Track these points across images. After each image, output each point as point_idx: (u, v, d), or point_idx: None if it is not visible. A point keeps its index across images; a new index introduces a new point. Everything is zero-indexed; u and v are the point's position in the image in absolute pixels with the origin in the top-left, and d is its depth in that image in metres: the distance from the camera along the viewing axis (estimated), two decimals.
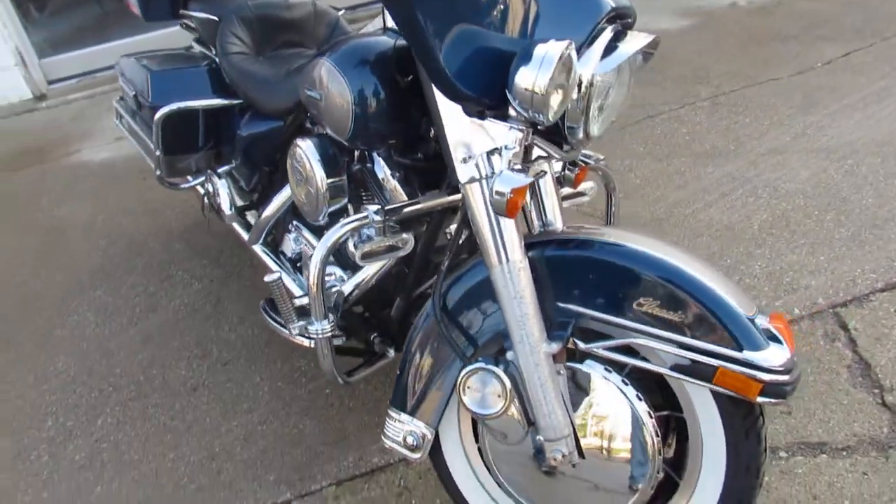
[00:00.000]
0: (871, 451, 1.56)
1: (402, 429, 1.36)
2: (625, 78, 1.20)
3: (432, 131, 1.35)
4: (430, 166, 1.44)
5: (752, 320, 1.10)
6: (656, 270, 1.13)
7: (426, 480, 1.65)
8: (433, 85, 1.12)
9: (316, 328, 1.36)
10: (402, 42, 1.32)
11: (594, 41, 1.11)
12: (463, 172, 1.17)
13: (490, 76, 1.06)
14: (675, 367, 1.12)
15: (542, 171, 1.21)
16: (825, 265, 2.11)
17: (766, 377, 1.06)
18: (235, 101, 2.07)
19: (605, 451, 1.22)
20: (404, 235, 1.37)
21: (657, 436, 1.18)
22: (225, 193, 2.06)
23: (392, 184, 1.49)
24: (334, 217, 1.49)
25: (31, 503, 1.81)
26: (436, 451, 1.40)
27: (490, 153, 1.14)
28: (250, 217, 2.19)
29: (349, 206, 1.57)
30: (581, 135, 1.16)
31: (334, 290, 1.60)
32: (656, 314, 1.12)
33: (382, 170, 1.51)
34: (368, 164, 1.54)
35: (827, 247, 2.19)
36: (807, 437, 1.61)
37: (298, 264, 1.91)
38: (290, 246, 1.94)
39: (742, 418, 1.15)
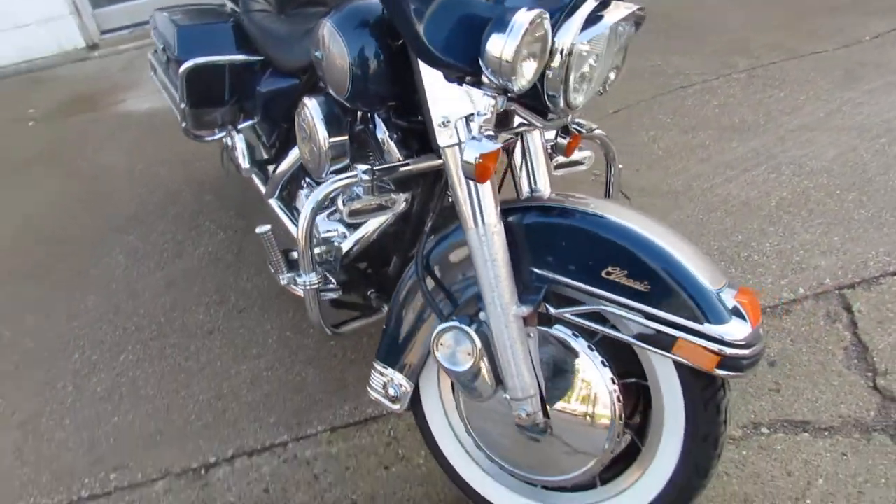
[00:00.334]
0: (855, 432, 1.56)
1: (384, 381, 1.42)
2: (611, 48, 1.20)
3: None
4: (426, 129, 1.47)
5: (717, 294, 1.11)
6: (626, 241, 1.15)
7: (414, 433, 1.72)
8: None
9: (304, 280, 1.42)
10: None
11: (576, 10, 1.12)
12: (442, 136, 1.20)
13: (466, 43, 1.08)
14: (638, 336, 1.15)
15: (512, 137, 1.23)
16: (838, 246, 2.08)
17: (724, 350, 1.08)
18: (257, 58, 2.13)
19: (569, 413, 1.26)
20: (392, 195, 1.42)
21: (619, 401, 1.22)
22: (242, 148, 2.13)
23: (389, 145, 1.53)
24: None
25: (53, 427, 1.96)
26: (417, 403, 1.47)
27: (468, 118, 1.17)
28: (271, 171, 2.27)
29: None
30: (562, 104, 1.17)
31: (335, 245, 1.67)
32: (623, 283, 1.15)
33: (382, 131, 1.55)
34: (370, 125, 1.58)
35: (843, 227, 2.14)
36: (791, 415, 1.62)
37: None
38: (302, 201, 2.01)
39: (702, 389, 1.17)
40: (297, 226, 1.96)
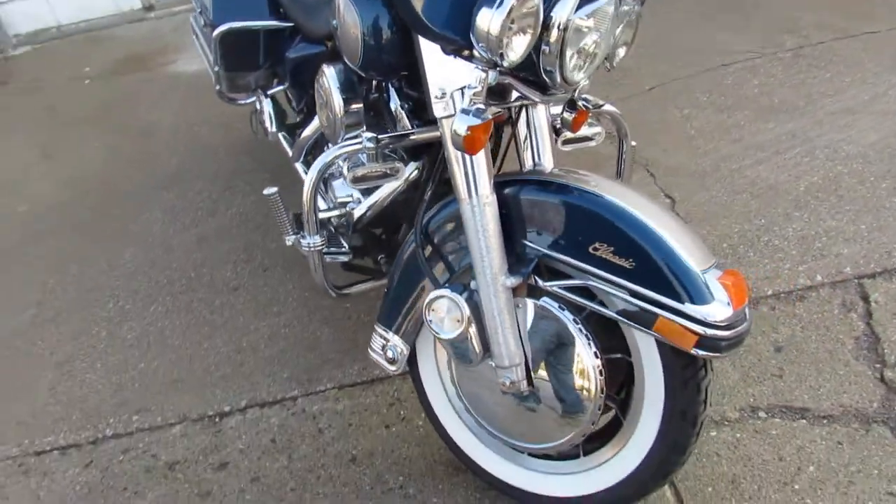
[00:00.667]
0: (854, 422, 1.54)
1: (383, 343, 1.48)
2: (614, 24, 1.20)
3: None
4: None
5: (701, 274, 1.12)
6: (614, 218, 1.16)
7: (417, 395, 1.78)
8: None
9: (308, 242, 1.48)
10: None
11: None
12: (438, 108, 1.22)
13: (458, 16, 1.09)
14: (621, 312, 1.17)
15: (501, 112, 1.24)
16: (864, 234, 2.02)
17: (703, 330, 1.09)
18: (287, 24, 2.17)
19: (553, 384, 1.29)
20: (397, 164, 1.45)
21: (601, 375, 1.24)
22: (269, 112, 2.19)
23: (401, 114, 1.56)
24: None
25: (85, 370, 2.09)
26: (414, 366, 1.52)
27: (463, 91, 1.19)
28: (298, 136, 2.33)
29: None
30: (559, 79, 1.18)
31: (348, 210, 1.72)
32: (609, 259, 1.16)
33: (394, 100, 1.58)
34: (385, 95, 1.62)
35: (872, 215, 2.09)
36: (791, 402, 1.61)
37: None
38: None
39: (682, 368, 1.18)
40: (319, 189, 2.03)
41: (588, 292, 1.22)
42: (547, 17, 1.08)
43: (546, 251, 1.23)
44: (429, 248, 1.38)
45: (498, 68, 1.11)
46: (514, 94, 1.26)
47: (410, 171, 1.56)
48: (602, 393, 1.25)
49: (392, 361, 1.47)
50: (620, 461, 1.30)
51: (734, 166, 2.41)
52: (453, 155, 1.23)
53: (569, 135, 1.64)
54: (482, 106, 1.13)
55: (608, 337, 1.28)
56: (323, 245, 1.49)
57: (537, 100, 1.24)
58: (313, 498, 1.59)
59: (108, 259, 2.59)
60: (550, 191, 1.24)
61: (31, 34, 5.31)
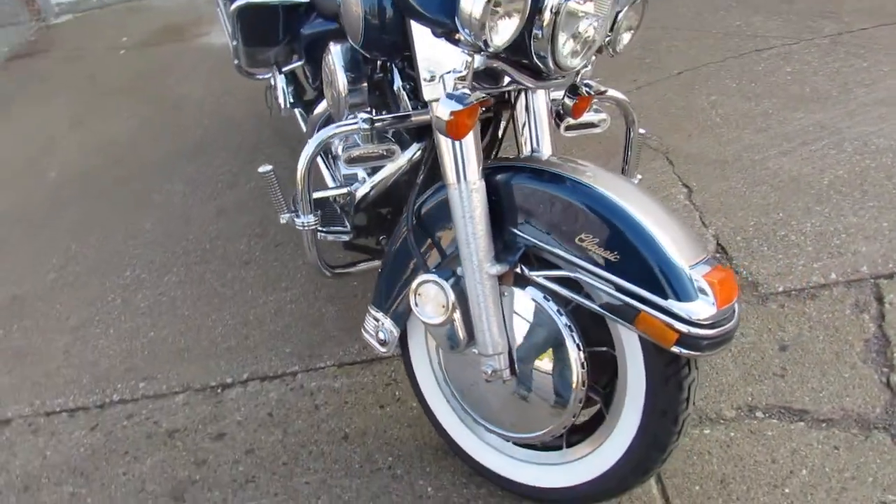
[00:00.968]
0: (854, 427, 1.50)
1: (375, 324, 1.48)
2: (611, 10, 1.17)
3: None
4: None
5: (686, 271, 1.09)
6: (602, 209, 1.14)
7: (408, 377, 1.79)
8: None
9: (301, 220, 1.48)
10: None
11: None
12: (427, 91, 1.21)
13: None
14: (605, 305, 1.14)
15: (487, 97, 1.21)
16: (886, 232, 1.95)
17: (684, 328, 1.06)
18: (302, 0, 2.16)
19: (535, 374, 1.28)
20: (392, 146, 1.44)
21: (583, 368, 1.23)
22: (283, 88, 2.20)
23: (403, 95, 1.54)
24: None
25: (98, 335, 2.15)
26: (406, 349, 1.52)
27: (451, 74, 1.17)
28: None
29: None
30: (552, 65, 1.15)
31: (352, 190, 1.72)
32: (594, 251, 1.14)
33: (397, 80, 1.57)
34: (389, 75, 1.61)
35: None
36: (791, 403, 1.57)
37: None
38: (335, 143, 2.07)
39: (664, 365, 1.16)
40: (329, 166, 2.03)
41: (576, 283, 1.20)
42: (538, 0, 1.06)
43: (533, 240, 1.21)
44: (421, 233, 1.38)
45: (484, 53, 1.09)
46: (508, 79, 1.24)
47: (413, 152, 1.55)
48: (584, 386, 1.23)
49: (383, 343, 1.47)
50: (601, 455, 1.28)
51: (757, 156, 2.33)
52: (442, 139, 1.21)
53: (572, 121, 1.61)
54: (467, 91, 1.12)
55: (597, 330, 1.26)
56: (316, 224, 1.50)
57: (530, 86, 1.22)
58: (303, 473, 1.61)
59: (129, 228, 2.65)
60: (541, 179, 1.22)
61: (73, 3, 5.42)
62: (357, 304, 2.08)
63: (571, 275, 1.18)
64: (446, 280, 1.26)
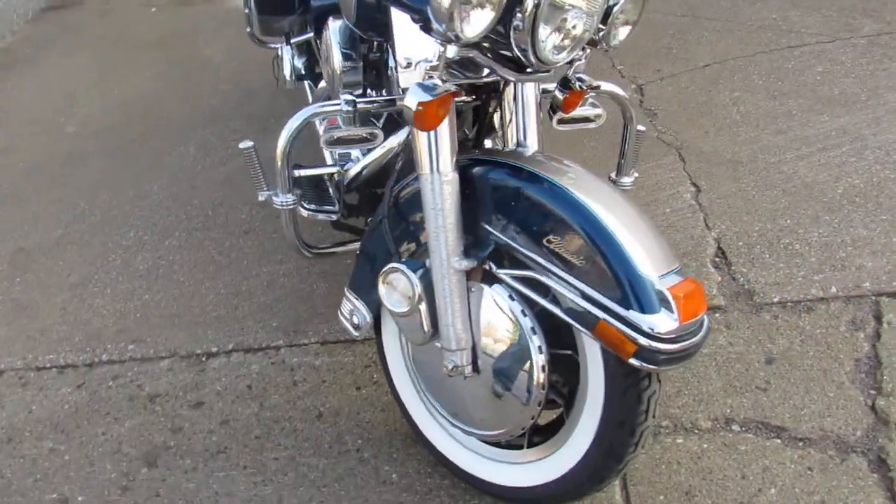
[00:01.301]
0: (831, 449, 1.45)
1: (351, 308, 1.47)
2: (599, 5, 1.12)
3: None
4: None
5: (651, 282, 1.05)
6: (571, 212, 1.11)
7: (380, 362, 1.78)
8: None
9: (280, 200, 1.47)
10: None
11: None
12: (403, 78, 1.18)
13: None
14: (567, 310, 1.12)
15: (456, 88, 1.17)
16: (895, 248, 1.87)
17: (643, 340, 1.03)
18: None
19: (496, 373, 1.26)
20: (374, 129, 1.41)
21: (543, 371, 1.20)
22: (287, 61, 2.18)
23: (394, 76, 1.51)
24: None
25: (95, 294, 2.18)
26: (380, 334, 1.51)
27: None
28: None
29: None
30: (532, 58, 1.11)
31: (344, 169, 1.70)
32: (560, 254, 1.11)
33: (391, 61, 1.53)
34: (385, 56, 1.58)
35: None
36: (769, 418, 1.53)
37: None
38: (337, 119, 2.05)
39: (623, 375, 1.13)
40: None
41: (542, 284, 1.18)
42: None
43: (503, 237, 1.18)
44: (398, 220, 1.36)
45: (457, 43, 1.05)
46: (486, 70, 1.20)
47: (406, 134, 1.52)
48: (543, 389, 1.21)
49: (357, 327, 1.47)
50: (558, 459, 1.26)
51: (773, 159, 2.25)
52: (415, 128, 1.18)
53: (564, 115, 1.56)
54: (438, 81, 1.09)
55: (567, 333, 1.23)
56: (295, 203, 1.49)
57: (512, 79, 1.18)
58: (274, 448, 1.62)
59: (138, 189, 2.67)
60: (517, 177, 1.19)
61: None
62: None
63: (537, 276, 1.15)
64: (415, 271, 1.25)
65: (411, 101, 1.05)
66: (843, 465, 1.42)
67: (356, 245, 1.66)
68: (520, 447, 1.35)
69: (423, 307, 1.25)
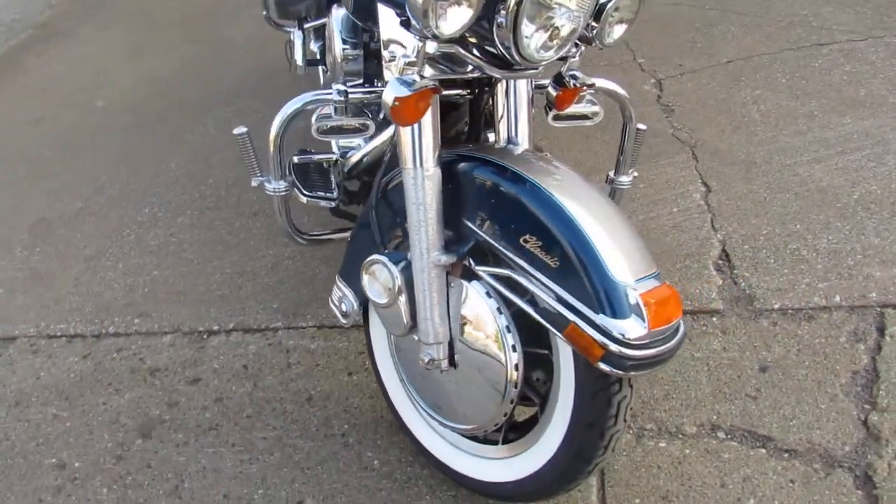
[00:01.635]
0: (816, 462, 1.43)
1: (340, 295, 1.49)
2: (588, 4, 1.10)
3: None
4: None
5: (624, 287, 1.05)
6: (548, 213, 1.10)
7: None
8: None
9: (272, 186, 1.49)
10: None
11: None
12: (388, 71, 1.18)
13: None
14: (539, 310, 1.12)
15: (434, 84, 1.17)
16: None
17: (611, 345, 1.03)
18: None
19: (471, 368, 1.26)
20: (366, 120, 1.42)
21: (517, 369, 1.20)
22: (299, 46, 2.19)
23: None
24: None
25: (108, 268, 2.24)
26: (367, 322, 1.53)
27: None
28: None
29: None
30: (516, 56, 1.10)
31: (346, 157, 1.71)
32: (536, 254, 1.11)
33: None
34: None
35: None
36: (757, 427, 1.51)
37: None
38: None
39: (594, 378, 1.13)
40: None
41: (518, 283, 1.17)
42: None
43: (482, 234, 1.18)
44: (387, 211, 1.37)
45: (435, 40, 1.05)
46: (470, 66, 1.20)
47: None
48: (516, 387, 1.21)
49: (345, 315, 1.48)
50: (529, 457, 1.27)
51: (788, 161, 2.20)
52: None
53: (569, 110, 1.54)
54: (416, 77, 1.08)
55: (545, 333, 1.22)
56: (287, 190, 1.51)
57: (497, 76, 1.18)
58: (263, 428, 1.66)
59: (157, 165, 2.73)
60: (500, 175, 1.18)
61: None
62: None
63: (511, 274, 1.15)
64: (396, 263, 1.26)
65: (388, 95, 1.06)
66: (828, 479, 1.40)
67: (346, 233, 1.68)
68: (496, 443, 1.36)
69: (402, 299, 1.26)
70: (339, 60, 1.58)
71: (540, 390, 1.29)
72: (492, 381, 1.23)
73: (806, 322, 1.71)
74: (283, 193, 1.51)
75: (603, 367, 1.05)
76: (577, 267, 1.06)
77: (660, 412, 1.56)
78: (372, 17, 1.42)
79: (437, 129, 1.19)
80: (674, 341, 1.08)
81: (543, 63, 1.15)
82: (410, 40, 1.10)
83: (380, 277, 1.28)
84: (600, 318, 1.04)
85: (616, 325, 1.03)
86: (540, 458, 1.24)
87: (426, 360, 1.27)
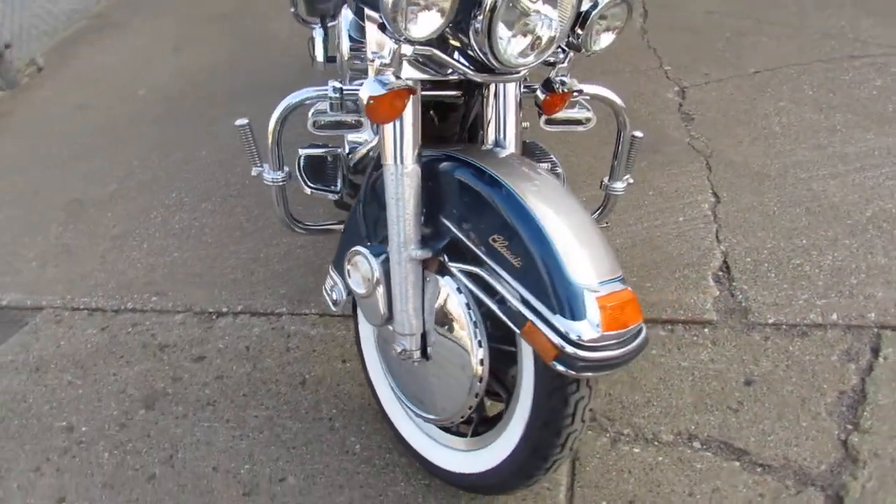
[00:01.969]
0: (789, 479, 1.42)
1: (331, 284, 1.55)
2: (568, 12, 1.13)
3: None
4: None
5: (582, 289, 1.07)
6: (515, 215, 1.14)
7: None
8: None
9: (270, 176, 1.56)
10: None
11: None
12: (372, 70, 1.23)
13: None
14: (502, 307, 1.15)
15: (407, 85, 1.20)
16: None
17: (564, 346, 1.06)
18: None
19: (440, 361, 1.31)
20: (360, 117, 1.47)
21: (482, 364, 1.24)
22: (320, 42, 2.26)
23: None
24: None
25: (133, 247, 2.36)
26: (356, 312, 1.59)
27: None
28: None
29: None
30: (493, 61, 1.14)
31: (352, 150, 1.78)
32: (502, 253, 1.15)
33: None
34: None
35: None
36: (734, 440, 1.51)
37: None
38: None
39: (551, 377, 1.16)
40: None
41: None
42: None
43: (456, 232, 1.23)
44: (376, 205, 1.42)
45: (408, 43, 1.09)
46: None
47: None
48: (481, 381, 1.25)
49: (335, 303, 1.54)
50: (491, 452, 1.31)
51: (803, 175, 2.17)
52: None
53: (554, 116, 1.57)
54: (391, 77, 1.13)
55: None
56: (284, 181, 1.57)
57: (477, 79, 1.21)
58: (257, 407, 1.73)
59: (188, 153, 2.84)
60: (476, 176, 1.22)
61: None
62: None
63: (480, 272, 1.19)
64: (377, 256, 1.31)
65: (364, 93, 1.11)
66: (797, 496, 1.39)
67: (339, 225, 1.74)
68: (465, 435, 1.40)
69: (380, 291, 1.31)
70: (346, 59, 1.64)
71: (509, 387, 1.33)
72: (459, 375, 1.27)
73: (799, 338, 1.70)
74: (280, 183, 1.57)
75: (557, 366, 1.08)
76: (538, 267, 1.09)
77: (638, 418, 1.58)
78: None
79: (418, 128, 1.23)
80: (632, 346, 1.10)
81: (522, 69, 1.19)
82: (387, 42, 1.15)
83: (361, 268, 1.33)
84: (557, 319, 1.07)
85: (571, 327, 1.06)
86: (501, 453, 1.28)
87: (399, 350, 1.32)
